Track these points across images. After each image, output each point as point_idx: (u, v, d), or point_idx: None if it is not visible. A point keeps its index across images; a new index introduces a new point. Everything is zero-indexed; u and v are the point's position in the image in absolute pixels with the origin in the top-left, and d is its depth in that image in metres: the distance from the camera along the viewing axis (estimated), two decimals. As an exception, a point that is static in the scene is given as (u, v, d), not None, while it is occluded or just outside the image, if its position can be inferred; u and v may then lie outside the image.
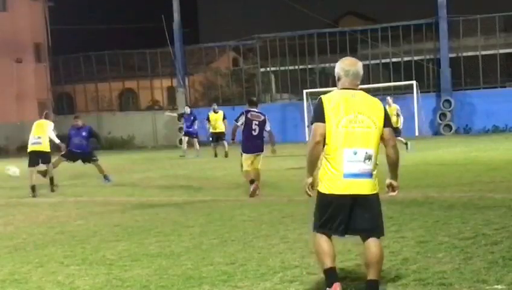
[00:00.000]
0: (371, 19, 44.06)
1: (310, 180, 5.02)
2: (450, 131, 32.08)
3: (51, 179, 15.01)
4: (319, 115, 4.91)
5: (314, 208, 5.09)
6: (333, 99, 4.92)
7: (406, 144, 20.88)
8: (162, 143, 36.41)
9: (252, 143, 12.08)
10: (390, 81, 34.38)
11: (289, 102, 36.73)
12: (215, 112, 24.86)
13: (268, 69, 37.36)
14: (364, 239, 4.96)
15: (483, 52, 33.42)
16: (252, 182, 11.90)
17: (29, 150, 14.99)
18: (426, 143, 25.90)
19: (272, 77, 37.87)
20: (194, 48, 39.55)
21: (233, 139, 12.86)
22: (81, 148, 16.13)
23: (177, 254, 7.09)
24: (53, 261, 7.11)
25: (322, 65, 36.55)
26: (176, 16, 36.45)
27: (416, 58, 34.15)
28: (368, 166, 4.92)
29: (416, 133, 31.64)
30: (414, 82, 32.27)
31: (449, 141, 26.83)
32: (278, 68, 37.06)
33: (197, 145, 25.11)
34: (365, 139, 4.88)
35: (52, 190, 14.80)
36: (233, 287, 5.68)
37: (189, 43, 38.98)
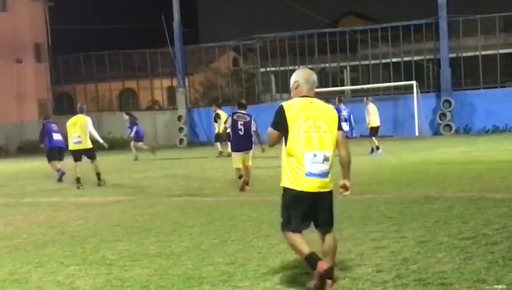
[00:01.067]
0: (371, 19, 44.07)
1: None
2: (450, 131, 32.08)
3: (98, 174, 15.62)
4: (278, 122, 5.39)
5: (280, 209, 5.62)
6: (294, 106, 5.37)
7: (378, 147, 21.08)
8: (162, 143, 36.41)
9: (240, 142, 13.02)
10: (390, 81, 34.40)
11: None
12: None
13: (268, 69, 37.37)
14: (322, 231, 5.46)
15: (483, 52, 33.42)
16: (240, 177, 13.04)
17: (71, 148, 15.52)
18: (426, 143, 25.90)
19: (272, 77, 37.87)
20: (194, 48, 39.56)
21: (228, 140, 13.57)
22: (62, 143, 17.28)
23: (177, 254, 7.09)
24: (53, 261, 7.11)
25: (322, 65, 36.55)
26: (176, 16, 36.46)
27: (416, 58, 34.16)
28: (326, 167, 5.39)
29: (416, 133, 31.66)
30: (414, 82, 32.28)
31: (449, 141, 26.83)
32: (278, 68, 37.07)
33: (134, 150, 25.19)
34: (323, 143, 5.36)
35: (100, 184, 15.42)
36: (233, 287, 5.68)
37: (189, 43, 38.99)
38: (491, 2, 35.34)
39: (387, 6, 43.09)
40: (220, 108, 24.64)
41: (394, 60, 34.90)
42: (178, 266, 6.54)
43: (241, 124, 12.99)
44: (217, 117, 23.88)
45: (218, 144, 24.38)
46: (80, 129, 15.28)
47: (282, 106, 5.41)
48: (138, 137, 25.28)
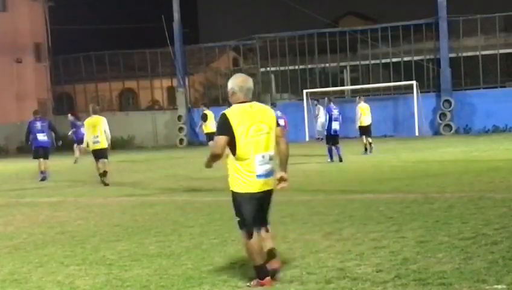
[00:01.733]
0: (371, 19, 44.05)
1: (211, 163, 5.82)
2: (450, 131, 32.07)
3: (105, 173, 15.93)
4: (224, 129, 5.58)
5: (234, 208, 5.88)
6: (236, 114, 5.61)
7: (370, 144, 21.56)
8: (162, 143, 36.40)
9: None
10: (390, 81, 34.38)
11: (289, 102, 36.72)
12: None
13: (268, 69, 37.33)
14: (264, 227, 5.77)
15: (483, 52, 33.40)
16: None
17: (91, 148, 16.12)
18: (426, 143, 25.91)
19: (272, 77, 37.85)
20: (194, 48, 39.54)
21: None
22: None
23: (177, 254, 7.10)
24: (53, 261, 7.12)
25: (322, 65, 36.54)
26: (176, 16, 36.44)
27: (416, 58, 34.13)
28: (271, 165, 5.69)
29: (416, 133, 31.65)
30: (414, 82, 32.27)
31: (449, 141, 26.82)
32: (278, 68, 37.06)
33: (77, 152, 24.98)
34: (268, 144, 5.64)
35: (104, 183, 15.69)
36: (233, 287, 5.68)
37: (189, 43, 38.96)
38: (491, 2, 35.29)
39: (387, 6, 43.06)
40: (208, 108, 24.71)
41: (394, 60, 34.88)
42: (178, 266, 6.55)
43: None
44: (205, 117, 23.91)
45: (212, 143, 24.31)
46: (97, 130, 15.86)
47: (225, 113, 5.62)
48: (78, 139, 24.12)
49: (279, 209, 9.98)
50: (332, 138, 19.13)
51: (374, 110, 33.02)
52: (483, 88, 33.18)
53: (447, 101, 32.27)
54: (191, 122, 36.79)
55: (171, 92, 39.76)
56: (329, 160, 19.04)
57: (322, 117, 28.51)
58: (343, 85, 36.45)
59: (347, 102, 34.96)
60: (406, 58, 34.40)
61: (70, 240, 8.41)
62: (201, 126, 23.95)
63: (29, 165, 20.86)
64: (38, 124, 18.37)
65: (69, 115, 26.70)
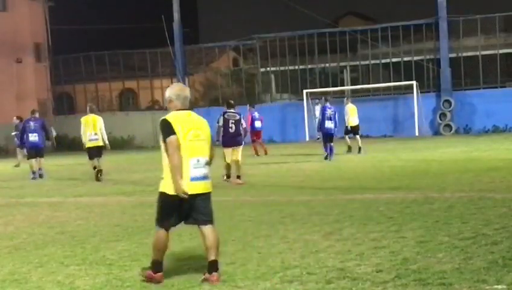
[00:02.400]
0: (371, 19, 44.09)
1: (183, 182, 5.85)
2: (450, 131, 32.08)
3: (100, 171, 16.53)
4: (169, 130, 5.93)
5: (157, 207, 6.11)
6: (176, 119, 5.98)
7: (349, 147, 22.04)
8: (162, 143, 36.38)
9: (230, 139, 14.42)
10: (390, 81, 34.41)
11: (289, 102, 36.73)
12: None
13: (268, 69, 37.35)
14: (204, 225, 6.01)
15: (483, 52, 33.41)
16: (228, 176, 14.47)
17: (88, 145, 16.71)
18: (426, 143, 25.91)
19: (272, 77, 37.86)
20: (194, 48, 39.55)
21: (217, 140, 14.42)
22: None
23: (177, 254, 7.09)
24: (53, 261, 7.12)
25: (322, 65, 36.55)
26: (176, 16, 36.45)
27: (416, 58, 34.16)
28: (206, 170, 6.00)
29: (416, 133, 31.67)
30: (414, 82, 32.29)
31: (449, 141, 26.83)
32: (278, 68, 37.07)
33: (19, 156, 24.57)
34: (203, 149, 6.01)
35: (99, 180, 16.19)
36: (233, 287, 5.68)
37: (189, 43, 38.98)
38: (491, 2, 35.31)
39: (387, 6, 43.11)
40: (192, 109, 24.71)
41: (394, 60, 34.90)
42: (178, 266, 6.55)
43: (232, 122, 14.39)
44: None
45: None
46: (95, 127, 16.58)
47: (165, 118, 6.00)
48: (22, 144, 23.99)
49: (279, 209, 9.98)
50: (326, 136, 19.52)
51: (374, 110, 33.22)
52: (483, 88, 33.20)
53: (447, 101, 32.28)
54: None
55: (171, 92, 39.76)
56: (326, 159, 19.29)
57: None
58: (343, 85, 36.46)
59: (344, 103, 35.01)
60: (406, 58, 34.41)
61: (70, 240, 8.41)
62: None
63: (29, 165, 20.86)
64: (32, 124, 18.64)
65: (15, 118, 26.36)
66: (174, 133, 5.87)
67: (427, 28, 34.27)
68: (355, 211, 9.37)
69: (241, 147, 14.56)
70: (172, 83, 38.69)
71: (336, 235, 7.66)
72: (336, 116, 19.81)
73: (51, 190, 15.15)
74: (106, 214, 10.62)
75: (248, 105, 26.18)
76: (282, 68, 36.86)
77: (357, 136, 22.20)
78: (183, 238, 8.07)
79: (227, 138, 14.42)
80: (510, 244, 6.65)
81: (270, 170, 17.20)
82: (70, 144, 34.26)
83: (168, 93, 6.13)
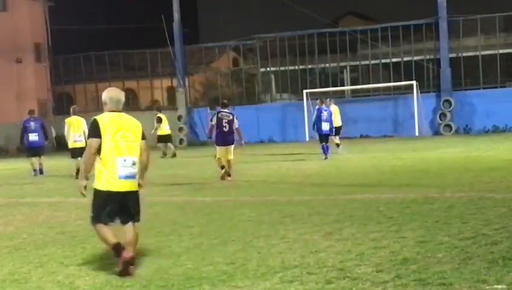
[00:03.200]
0: (371, 19, 44.10)
1: (84, 182, 6.46)
2: (450, 131, 32.08)
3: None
4: (94, 132, 6.36)
5: (91, 206, 6.49)
6: (105, 119, 6.39)
7: (338, 145, 22.45)
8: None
9: (223, 138, 14.94)
10: (390, 81, 34.41)
11: (289, 102, 36.73)
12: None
13: (268, 69, 37.35)
14: (125, 223, 6.44)
15: (483, 52, 33.42)
16: (222, 167, 14.90)
17: (72, 146, 17.44)
18: (426, 143, 25.91)
19: (272, 77, 37.86)
20: (194, 48, 39.54)
21: (209, 138, 15.58)
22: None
23: (177, 254, 7.09)
24: (53, 261, 7.12)
25: (322, 65, 36.55)
26: (176, 16, 36.44)
27: (416, 58, 34.16)
28: (134, 170, 6.40)
29: (417, 133, 31.67)
30: (414, 82, 32.29)
31: (449, 141, 26.82)
32: (278, 68, 37.07)
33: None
34: (131, 150, 6.38)
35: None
36: (233, 287, 5.68)
37: (189, 43, 38.97)
38: (491, 2, 35.32)
39: (387, 6, 43.12)
40: (160, 111, 26.29)
41: (394, 60, 34.90)
42: (178, 266, 6.55)
43: (225, 122, 14.92)
44: (159, 120, 25.37)
45: (162, 145, 25.74)
46: (80, 129, 17.32)
47: (95, 118, 6.42)
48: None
49: (279, 209, 9.98)
50: (322, 137, 20.13)
51: (374, 110, 33.24)
52: (483, 88, 33.20)
53: (447, 101, 32.28)
54: (191, 122, 36.81)
55: (171, 92, 39.78)
56: (323, 157, 19.83)
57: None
58: (343, 85, 36.47)
59: (347, 102, 35.03)
60: (406, 58, 34.41)
61: (70, 240, 8.41)
62: (156, 129, 25.39)
63: (29, 165, 20.88)
64: (32, 124, 19.17)
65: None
66: (97, 136, 6.30)
67: (427, 28, 34.26)
68: (355, 211, 9.37)
69: (233, 146, 15.10)
70: (172, 83, 38.81)
71: (336, 235, 7.66)
72: (332, 117, 20.56)
73: (51, 190, 15.14)
74: (106, 214, 10.61)
75: (209, 108, 27.00)
76: (282, 68, 36.86)
77: (337, 136, 22.68)
78: (183, 238, 8.07)
79: (220, 136, 14.96)
80: (510, 244, 6.65)
81: (270, 170, 17.20)
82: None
83: (103, 96, 6.59)
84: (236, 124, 15.10)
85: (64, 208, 11.78)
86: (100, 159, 6.31)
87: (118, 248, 6.34)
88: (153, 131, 25.06)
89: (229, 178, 14.85)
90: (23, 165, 22.31)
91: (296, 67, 36.45)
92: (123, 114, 6.55)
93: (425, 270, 5.81)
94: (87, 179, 6.44)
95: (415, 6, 37.81)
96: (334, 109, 23.05)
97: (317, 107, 21.20)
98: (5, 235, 9.10)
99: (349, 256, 6.51)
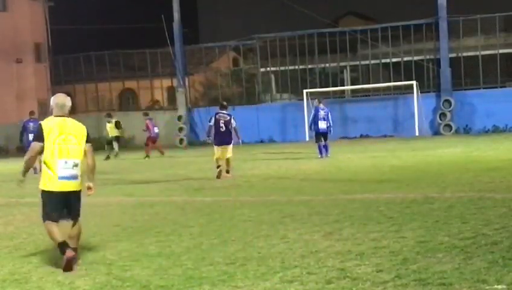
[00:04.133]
0: (371, 19, 44.09)
1: (22, 178, 7.16)
2: (450, 131, 32.08)
3: None
4: (38, 137, 6.84)
5: (41, 205, 6.97)
6: (49, 124, 6.85)
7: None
8: (162, 143, 36.33)
9: (220, 138, 15.65)
10: (390, 81, 34.39)
11: (289, 102, 36.73)
12: (109, 122, 27.38)
13: (268, 69, 37.34)
14: (69, 220, 6.99)
15: (483, 52, 33.41)
16: (218, 167, 15.47)
17: None
18: (426, 143, 25.90)
19: (272, 77, 37.86)
20: (194, 48, 39.54)
21: (208, 136, 16.36)
22: None
23: (177, 254, 7.09)
24: (53, 261, 7.12)
25: (322, 65, 36.54)
26: (176, 16, 36.44)
27: (416, 58, 34.14)
28: (75, 171, 6.85)
29: (417, 133, 31.66)
30: (414, 82, 32.28)
31: (449, 141, 26.82)
32: (278, 68, 37.06)
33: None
34: (73, 152, 6.82)
35: None
36: (233, 287, 5.68)
37: (189, 43, 38.97)
38: (491, 2, 35.30)
39: (387, 6, 43.11)
40: (111, 116, 27.82)
41: (394, 60, 34.89)
42: (178, 266, 6.54)
43: (222, 123, 15.64)
44: (119, 124, 27.17)
45: (109, 146, 27.18)
46: None
47: (40, 123, 6.91)
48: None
49: (279, 209, 9.98)
50: (319, 136, 20.69)
51: (374, 110, 33.24)
52: (483, 88, 33.19)
53: (447, 101, 32.27)
54: (191, 122, 36.81)
55: (171, 92, 39.77)
56: (319, 156, 20.33)
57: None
58: (343, 85, 36.46)
59: (347, 102, 35.04)
60: (406, 58, 34.41)
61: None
62: (121, 132, 27.39)
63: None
64: (31, 125, 19.54)
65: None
66: (40, 140, 6.77)
67: (427, 28, 34.26)
68: (355, 211, 9.37)
69: (230, 146, 15.72)
70: (172, 83, 38.81)
71: (336, 235, 7.66)
72: (329, 116, 20.98)
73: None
74: (106, 214, 10.62)
75: (143, 114, 28.62)
76: (282, 68, 36.85)
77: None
78: (183, 238, 8.07)
79: (217, 136, 15.71)
80: (510, 244, 6.65)
81: (270, 170, 17.20)
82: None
83: (51, 102, 7.07)
84: (233, 124, 15.73)
85: (64, 208, 11.77)
86: (44, 161, 6.78)
87: (63, 246, 6.72)
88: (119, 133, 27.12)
89: (228, 175, 15.42)
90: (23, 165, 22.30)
91: (296, 67, 36.44)
92: (68, 118, 6.96)
93: (425, 270, 5.81)
94: (24, 176, 7.13)
95: (415, 6, 37.80)
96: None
97: (315, 106, 21.80)
98: (5, 235, 9.11)
99: (349, 256, 6.51)
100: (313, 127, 20.95)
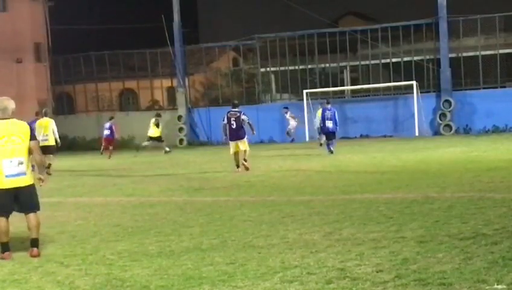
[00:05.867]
0: (371, 19, 44.02)
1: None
2: (450, 131, 32.07)
3: (49, 165, 18.51)
4: None
5: None
6: None
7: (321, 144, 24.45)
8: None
9: (233, 133, 17.14)
10: (390, 81, 34.37)
11: (289, 102, 36.72)
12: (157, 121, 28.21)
13: (268, 69, 37.32)
14: (27, 213, 7.57)
15: (483, 52, 33.39)
16: (237, 166, 17.05)
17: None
18: (426, 143, 25.90)
19: (272, 77, 37.84)
20: (194, 48, 39.52)
21: (225, 135, 17.52)
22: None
23: (177, 254, 7.10)
24: (53, 261, 7.12)
25: (322, 65, 36.53)
26: (176, 16, 36.42)
27: (416, 58, 34.12)
28: (21, 168, 7.39)
29: (417, 133, 31.66)
30: (414, 82, 32.27)
31: (449, 141, 26.82)
32: (278, 68, 37.05)
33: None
34: (18, 152, 7.38)
35: (48, 173, 17.59)
36: (233, 287, 5.68)
37: (189, 43, 38.95)
38: (491, 2, 35.29)
39: (387, 6, 43.05)
40: (160, 116, 28.66)
41: (394, 60, 34.86)
42: (178, 266, 6.55)
43: (233, 120, 17.05)
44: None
45: (162, 143, 28.01)
46: (47, 130, 19.24)
47: None
48: None
49: (279, 209, 9.98)
50: (327, 135, 22.30)
51: (374, 110, 33.22)
52: (483, 88, 33.17)
53: (447, 101, 32.26)
54: (191, 122, 36.80)
55: (171, 92, 39.74)
56: (329, 152, 21.66)
57: (291, 122, 31.21)
58: (343, 85, 36.45)
59: (347, 102, 35.02)
60: (406, 58, 34.39)
61: (70, 240, 8.41)
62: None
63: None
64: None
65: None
66: None
67: (427, 28, 34.23)
68: (355, 211, 9.37)
69: (244, 140, 17.12)
70: (172, 83, 38.79)
71: (336, 235, 7.67)
72: (336, 116, 22.31)
73: (51, 190, 15.12)
74: (106, 214, 10.62)
75: (110, 117, 29.87)
76: (282, 68, 36.83)
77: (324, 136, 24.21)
78: (183, 238, 8.08)
79: (230, 133, 17.16)
80: (510, 244, 6.65)
81: (270, 170, 17.20)
82: (70, 144, 34.28)
83: None
84: (245, 119, 17.16)
85: (64, 208, 11.79)
86: None
87: (4, 247, 7.46)
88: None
89: (245, 163, 16.95)
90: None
91: (296, 67, 36.42)
92: (12, 120, 7.48)
93: (425, 270, 5.81)
94: None
95: (415, 6, 37.75)
96: (318, 112, 24.81)
97: (322, 107, 23.19)
98: (5, 235, 9.09)
99: (349, 256, 6.51)
100: (322, 129, 22.65)
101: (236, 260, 6.64)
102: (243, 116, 17.15)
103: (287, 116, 31.14)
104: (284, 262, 6.42)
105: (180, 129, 35.93)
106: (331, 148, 21.70)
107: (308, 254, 6.71)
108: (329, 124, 21.93)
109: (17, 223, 10.25)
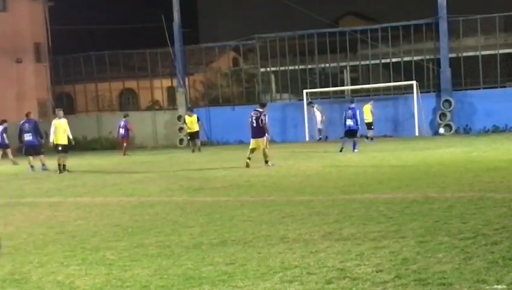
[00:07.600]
0: (371, 19, 44.02)
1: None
2: (450, 131, 32.06)
3: (64, 166, 19.59)
4: None
5: None
6: None
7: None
8: (162, 143, 36.39)
9: (253, 132, 18.34)
10: (390, 81, 34.36)
11: (289, 102, 36.71)
12: (190, 115, 29.11)
13: (268, 69, 37.30)
14: None
15: (483, 52, 33.38)
16: (247, 165, 18.01)
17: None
18: (426, 143, 25.90)
19: (272, 77, 37.82)
20: (194, 48, 39.50)
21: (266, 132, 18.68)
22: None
23: (177, 254, 7.10)
24: (53, 261, 7.12)
25: (322, 65, 36.51)
26: (176, 16, 36.42)
27: (416, 58, 34.10)
28: None
29: (417, 133, 31.65)
30: (414, 82, 32.26)
31: (449, 141, 26.82)
32: (278, 68, 37.04)
33: (11, 156, 27.54)
34: None
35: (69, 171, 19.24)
36: (233, 287, 5.68)
37: (189, 43, 38.93)
38: (491, 2, 35.29)
39: (387, 6, 43.06)
40: (192, 110, 29.73)
41: (394, 60, 34.84)
42: (178, 266, 6.55)
43: (254, 118, 18.24)
44: (198, 119, 28.74)
45: (192, 141, 29.04)
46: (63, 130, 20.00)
47: None
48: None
49: (279, 209, 9.98)
50: (347, 133, 22.91)
51: (374, 110, 33.17)
52: (483, 88, 33.15)
53: (447, 101, 32.25)
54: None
55: (171, 92, 39.73)
56: (355, 150, 22.10)
57: (318, 116, 31.50)
58: (343, 85, 36.43)
59: (347, 102, 35.00)
60: (406, 58, 34.37)
61: (70, 240, 8.41)
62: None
63: (27, 164, 20.89)
64: (26, 126, 21.15)
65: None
66: None
67: (427, 28, 34.22)
68: (355, 211, 9.37)
69: (263, 138, 18.21)
70: (172, 83, 38.77)
71: (336, 235, 7.67)
72: (357, 114, 23.04)
73: (51, 190, 15.14)
74: (106, 214, 10.63)
75: (124, 115, 30.84)
76: (282, 68, 36.81)
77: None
78: (183, 238, 8.08)
79: (251, 130, 18.36)
80: (510, 244, 6.65)
81: (270, 170, 17.20)
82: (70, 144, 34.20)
83: None
84: (263, 120, 18.12)
85: (64, 208, 11.79)
86: None
87: None
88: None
89: (268, 164, 17.92)
90: (23, 165, 22.35)
91: (296, 67, 36.40)
92: None
93: (425, 270, 5.81)
94: None
95: (415, 7, 37.76)
96: (317, 113, 25.42)
97: (313, 107, 24.33)
98: (5, 235, 9.09)
99: (349, 256, 6.51)
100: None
101: (236, 260, 6.64)
102: (262, 117, 18.13)
103: (314, 109, 31.35)
104: (284, 262, 6.42)
105: (180, 129, 35.92)
106: (343, 147, 22.20)
107: (308, 254, 6.71)
108: (348, 122, 22.59)
109: (18, 223, 10.27)
